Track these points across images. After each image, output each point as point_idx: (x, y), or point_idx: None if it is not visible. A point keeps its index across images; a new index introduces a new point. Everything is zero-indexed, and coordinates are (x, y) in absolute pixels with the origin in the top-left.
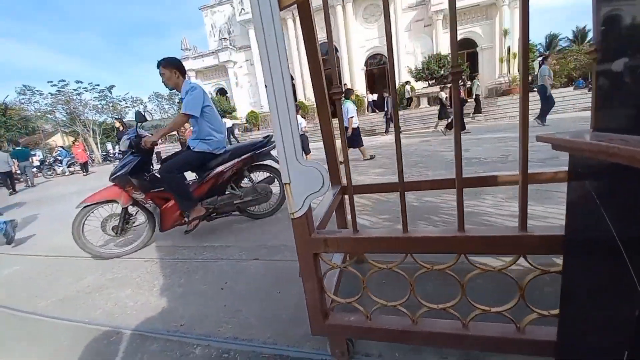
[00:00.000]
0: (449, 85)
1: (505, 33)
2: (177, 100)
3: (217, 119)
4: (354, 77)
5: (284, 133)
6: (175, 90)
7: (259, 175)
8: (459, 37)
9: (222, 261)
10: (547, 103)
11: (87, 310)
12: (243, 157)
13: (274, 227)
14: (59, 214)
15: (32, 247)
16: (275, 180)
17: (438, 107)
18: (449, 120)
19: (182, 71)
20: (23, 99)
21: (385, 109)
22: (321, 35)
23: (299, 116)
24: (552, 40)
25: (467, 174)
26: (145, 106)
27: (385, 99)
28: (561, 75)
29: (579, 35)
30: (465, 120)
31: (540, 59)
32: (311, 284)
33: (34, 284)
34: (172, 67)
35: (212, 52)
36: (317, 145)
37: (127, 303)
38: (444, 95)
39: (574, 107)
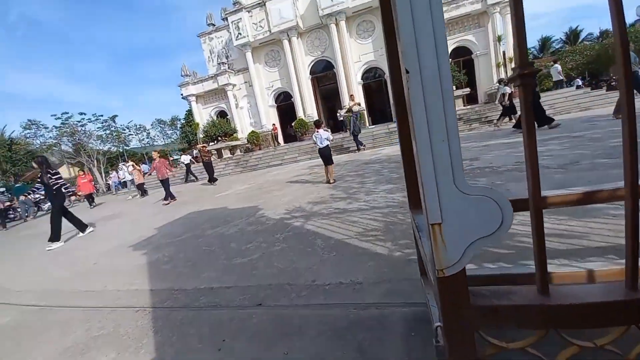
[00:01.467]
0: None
1: (499, 39)
2: (179, 126)
3: None
4: (352, 91)
5: (433, 141)
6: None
7: None
8: (453, 46)
9: (220, 310)
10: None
11: None
12: None
13: (284, 258)
14: (41, 254)
15: (22, 294)
16: None
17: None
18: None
19: None
20: (29, 133)
21: (349, 128)
22: (315, 54)
23: (322, 130)
24: (544, 42)
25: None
26: (149, 132)
27: (349, 118)
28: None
29: (572, 36)
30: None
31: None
32: None
33: (14, 343)
34: None
35: (212, 77)
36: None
37: None
38: (508, 90)
39: (578, 107)
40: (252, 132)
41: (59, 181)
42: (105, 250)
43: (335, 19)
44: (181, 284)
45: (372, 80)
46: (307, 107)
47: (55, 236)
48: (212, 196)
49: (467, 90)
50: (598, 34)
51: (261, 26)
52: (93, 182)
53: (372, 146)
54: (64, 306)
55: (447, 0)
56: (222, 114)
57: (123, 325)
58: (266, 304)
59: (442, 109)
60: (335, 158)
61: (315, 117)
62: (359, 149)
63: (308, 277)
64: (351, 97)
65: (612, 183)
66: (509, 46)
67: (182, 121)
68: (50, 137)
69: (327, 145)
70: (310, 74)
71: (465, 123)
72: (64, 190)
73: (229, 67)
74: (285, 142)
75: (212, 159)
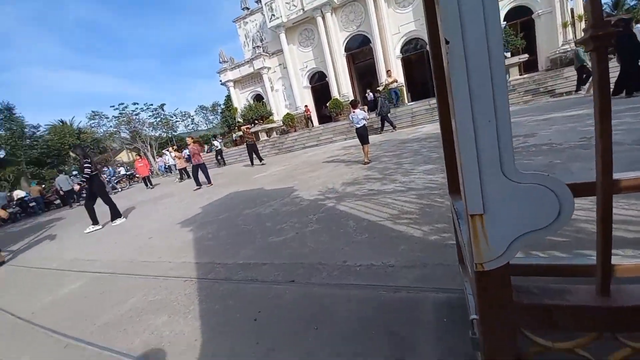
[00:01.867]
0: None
1: None
2: (219, 111)
3: None
4: (390, 66)
5: (477, 121)
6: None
7: None
8: (509, 7)
9: (256, 284)
10: None
11: (127, 339)
12: None
13: (317, 239)
14: (116, 230)
15: (93, 263)
16: None
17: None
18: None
19: None
20: (93, 123)
21: (376, 109)
22: (350, 29)
23: (359, 109)
24: (617, 1)
25: (537, 166)
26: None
27: (377, 98)
28: None
29: None
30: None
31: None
32: None
33: (86, 305)
34: None
35: (247, 61)
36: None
37: (163, 332)
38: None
39: None
40: (287, 114)
41: (88, 169)
42: (158, 227)
43: None
44: (223, 259)
45: (412, 53)
46: (342, 86)
47: (92, 220)
48: (250, 178)
49: (525, 56)
50: None
51: (294, 5)
52: (149, 166)
53: (410, 124)
54: (125, 274)
55: None
56: (258, 98)
57: (174, 293)
58: (298, 281)
59: (490, 83)
60: (371, 138)
61: (351, 96)
62: (393, 128)
63: (339, 258)
64: (388, 72)
65: None
66: (578, 2)
67: (222, 106)
68: (111, 126)
69: (364, 124)
70: (345, 51)
71: (521, 95)
72: (97, 178)
73: (263, 50)
74: (320, 122)
75: (255, 141)
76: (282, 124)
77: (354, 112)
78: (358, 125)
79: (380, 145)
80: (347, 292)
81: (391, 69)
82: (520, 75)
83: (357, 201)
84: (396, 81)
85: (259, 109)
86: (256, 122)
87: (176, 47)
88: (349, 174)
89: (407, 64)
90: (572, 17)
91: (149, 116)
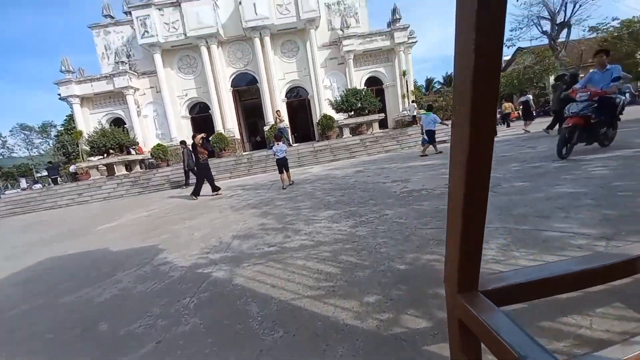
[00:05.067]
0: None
1: (404, 74)
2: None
3: None
4: (276, 107)
5: None
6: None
7: None
8: (367, 76)
9: None
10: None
11: None
12: None
13: (196, 352)
14: None
15: None
16: None
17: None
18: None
19: None
20: None
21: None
22: (237, 66)
23: (281, 143)
24: (429, 82)
25: (431, 212)
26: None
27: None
28: (447, 109)
29: (448, 80)
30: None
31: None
32: None
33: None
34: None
35: (106, 77)
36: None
37: None
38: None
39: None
40: (159, 145)
41: None
42: None
43: (260, 33)
44: None
45: (295, 99)
46: (228, 120)
47: None
48: (91, 230)
49: (382, 115)
50: None
51: (174, 27)
52: None
53: (297, 164)
54: None
55: (363, 34)
56: (117, 122)
57: None
58: None
59: None
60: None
61: (237, 132)
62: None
63: None
64: (277, 112)
65: None
66: (410, 81)
67: (60, 128)
68: None
69: (284, 156)
70: (231, 86)
71: (382, 145)
72: None
73: (130, 68)
74: None
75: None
76: (150, 156)
77: (277, 143)
78: (279, 156)
79: (272, 187)
80: None
81: (280, 110)
82: (379, 129)
83: (256, 265)
84: (283, 121)
85: (116, 136)
86: (111, 151)
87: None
88: (240, 222)
89: (290, 108)
90: (407, 90)
91: None
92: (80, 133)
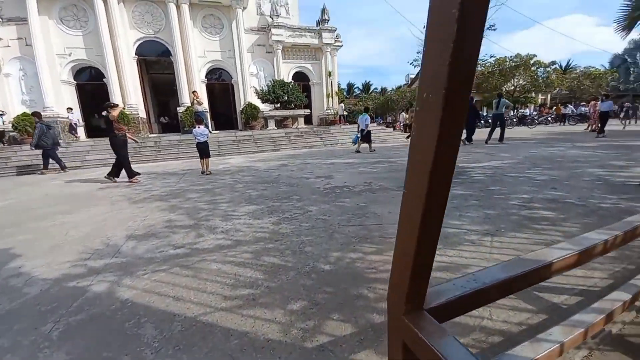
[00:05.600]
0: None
1: (329, 74)
2: None
3: None
4: (194, 87)
5: None
6: None
7: None
8: (295, 70)
9: None
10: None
11: None
12: None
13: None
14: None
15: None
16: None
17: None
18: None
19: None
20: None
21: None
22: (145, 32)
23: (202, 126)
24: (350, 87)
25: (352, 208)
26: None
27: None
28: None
29: (365, 87)
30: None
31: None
32: None
33: None
34: None
35: None
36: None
37: None
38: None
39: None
40: (24, 114)
41: None
42: None
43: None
44: None
45: (217, 82)
46: (130, 95)
47: None
48: None
49: (308, 111)
50: (380, 89)
51: None
52: None
53: (217, 154)
54: None
55: (293, 27)
56: None
57: None
58: None
59: None
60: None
61: (141, 108)
62: (45, 168)
63: None
64: (194, 93)
65: None
66: (335, 81)
67: None
68: None
69: (206, 140)
70: (136, 54)
71: (306, 140)
72: None
73: None
74: (89, 136)
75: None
76: (13, 129)
77: (199, 127)
78: (201, 140)
79: (184, 176)
80: None
81: (197, 91)
82: (305, 124)
83: (156, 273)
84: (201, 104)
85: None
86: None
87: None
88: (139, 217)
89: (210, 91)
90: (332, 91)
91: None
92: None
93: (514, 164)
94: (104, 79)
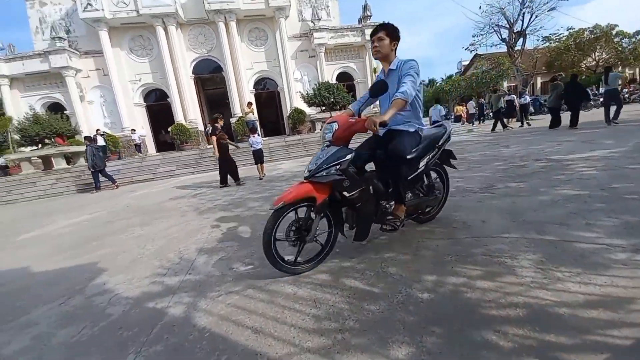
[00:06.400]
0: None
1: (375, 71)
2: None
3: None
4: (244, 98)
5: None
6: None
7: None
8: (338, 71)
9: None
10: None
11: None
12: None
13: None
14: None
15: None
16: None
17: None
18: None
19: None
20: None
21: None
22: (199, 52)
23: (257, 135)
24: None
25: None
26: None
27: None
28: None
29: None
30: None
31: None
32: None
33: None
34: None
35: (40, 54)
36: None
37: None
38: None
39: None
40: (108, 135)
41: None
42: None
43: (225, 17)
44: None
45: (263, 91)
46: (189, 110)
47: None
48: (4, 241)
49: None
50: (427, 80)
51: (124, 2)
52: None
53: (269, 159)
54: None
55: (335, 28)
56: (55, 108)
57: None
58: None
59: None
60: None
61: (200, 123)
62: (97, 189)
63: None
64: (249, 104)
65: None
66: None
67: None
68: None
69: (261, 147)
70: (193, 73)
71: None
72: None
73: (70, 45)
74: (158, 150)
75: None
76: None
77: (253, 136)
78: (256, 147)
79: (244, 182)
80: None
81: (251, 102)
82: None
83: (230, 295)
84: (253, 113)
85: (53, 123)
86: (47, 141)
87: None
88: (206, 228)
89: (258, 100)
90: None
91: None
92: (10, 119)
93: (628, 153)
94: (168, 99)
